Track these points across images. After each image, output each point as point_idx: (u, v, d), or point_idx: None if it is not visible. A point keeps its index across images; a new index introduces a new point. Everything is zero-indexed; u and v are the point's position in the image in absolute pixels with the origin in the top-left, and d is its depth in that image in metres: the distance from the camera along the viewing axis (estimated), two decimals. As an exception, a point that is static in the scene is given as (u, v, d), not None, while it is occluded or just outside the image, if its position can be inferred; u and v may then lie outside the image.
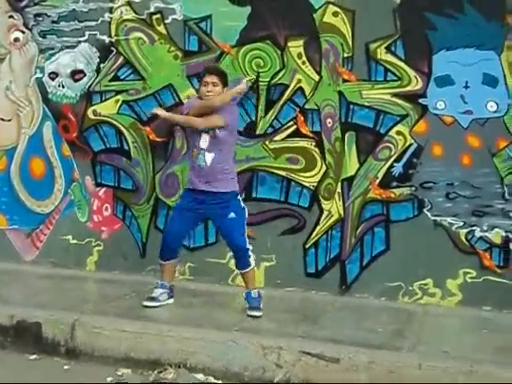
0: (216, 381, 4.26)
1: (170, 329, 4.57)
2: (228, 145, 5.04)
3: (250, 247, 5.08)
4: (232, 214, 5.01)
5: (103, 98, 6.16)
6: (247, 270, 5.08)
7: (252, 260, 5.08)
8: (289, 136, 5.68)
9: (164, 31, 5.93)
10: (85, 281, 6.02)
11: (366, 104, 5.49)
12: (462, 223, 5.34)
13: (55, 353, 4.66)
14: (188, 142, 5.36)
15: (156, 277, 5.48)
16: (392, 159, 5.48)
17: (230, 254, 5.74)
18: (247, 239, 5.07)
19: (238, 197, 5.11)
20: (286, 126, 5.68)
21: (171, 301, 5.23)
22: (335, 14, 5.50)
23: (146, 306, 5.10)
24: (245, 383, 4.27)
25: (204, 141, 4.98)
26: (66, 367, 4.50)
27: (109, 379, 4.28)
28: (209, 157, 4.96)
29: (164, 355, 4.43)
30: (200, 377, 4.28)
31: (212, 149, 4.97)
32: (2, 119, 6.47)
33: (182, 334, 4.51)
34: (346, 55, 5.51)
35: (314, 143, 5.63)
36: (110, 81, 6.12)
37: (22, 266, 6.32)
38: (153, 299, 5.15)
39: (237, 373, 4.30)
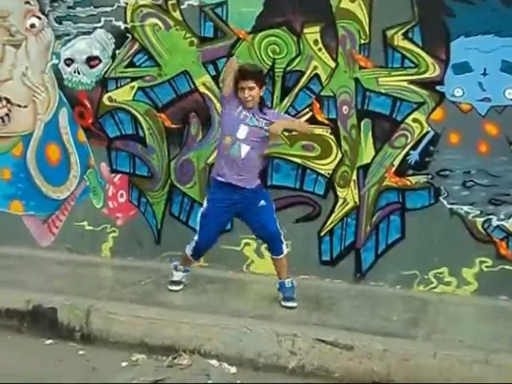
0: (230, 367, 4.27)
1: (184, 315, 4.59)
2: (261, 141, 4.97)
3: (283, 233, 5.06)
4: (262, 202, 4.99)
5: (119, 85, 6.16)
6: (281, 256, 5.04)
7: (285, 246, 5.05)
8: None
9: (180, 17, 5.91)
10: (100, 267, 6.06)
11: (383, 91, 5.45)
12: (478, 212, 5.30)
13: (70, 338, 4.70)
14: (221, 129, 5.20)
15: (171, 263, 5.49)
16: (408, 147, 5.43)
17: (245, 241, 5.78)
18: (278, 225, 5.05)
19: (263, 189, 5.14)
20: (301, 113, 5.65)
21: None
22: (352, 0, 5.44)
23: (172, 291, 5.18)
24: (259, 370, 4.28)
25: (242, 131, 4.89)
26: (80, 352, 4.54)
27: (123, 364, 4.31)
28: (245, 149, 4.90)
29: (178, 341, 4.45)
30: (214, 363, 4.29)
31: (249, 142, 4.90)
32: (19, 105, 6.49)
33: (196, 320, 4.52)
34: (362, 42, 5.46)
35: (329, 130, 5.60)
36: (126, 67, 6.12)
37: (38, 251, 6.37)
38: (177, 283, 5.24)
39: (251, 359, 4.32)
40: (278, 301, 4.99)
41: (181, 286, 5.25)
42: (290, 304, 4.92)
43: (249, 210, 5.04)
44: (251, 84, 4.83)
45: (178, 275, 5.27)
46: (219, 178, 4.98)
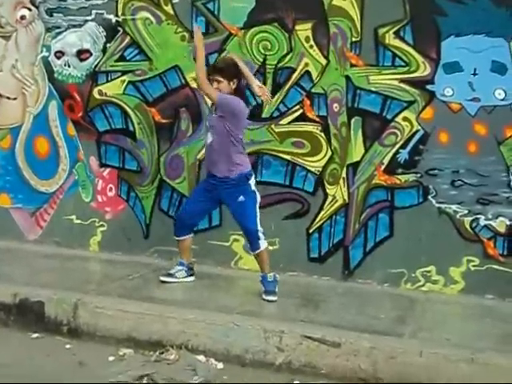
0: (217, 363, 4.27)
1: (172, 310, 4.59)
2: (223, 130, 5.00)
3: (261, 229, 5.07)
4: (241, 198, 5.03)
5: (109, 78, 6.14)
6: (257, 252, 5.08)
7: (262, 242, 5.06)
8: (295, 120, 5.66)
9: (171, 11, 5.89)
10: (88, 261, 6.04)
11: (373, 89, 5.46)
12: (466, 211, 5.32)
13: (57, 332, 4.68)
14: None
15: (160, 258, 5.49)
16: (398, 145, 5.45)
17: (233, 237, 5.79)
18: (258, 222, 5.06)
19: (250, 181, 5.11)
20: (292, 110, 5.66)
21: (191, 278, 5.35)
22: (344, -2, 5.45)
23: (163, 282, 5.22)
24: (246, 365, 4.28)
25: (210, 119, 5.13)
26: (67, 346, 4.52)
27: (110, 358, 4.31)
28: (210, 136, 5.07)
29: (166, 336, 4.45)
30: (201, 358, 4.29)
31: (213, 130, 5.04)
32: (8, 97, 6.46)
33: (184, 315, 4.52)
34: (354, 39, 5.47)
35: (319, 128, 5.60)
36: (116, 61, 6.10)
37: (26, 245, 6.34)
38: (170, 275, 5.28)
39: (238, 355, 4.32)
40: (259, 294, 5.01)
41: (173, 279, 5.26)
42: (270, 298, 4.95)
43: (229, 203, 5.15)
44: (217, 77, 5.00)
45: (174, 268, 5.33)
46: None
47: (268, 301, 4.94)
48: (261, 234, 5.06)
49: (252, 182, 5.13)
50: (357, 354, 4.14)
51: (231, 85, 5.01)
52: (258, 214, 5.08)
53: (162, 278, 5.28)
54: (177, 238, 5.34)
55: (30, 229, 6.47)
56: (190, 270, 5.37)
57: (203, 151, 5.34)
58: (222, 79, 4.99)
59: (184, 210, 5.41)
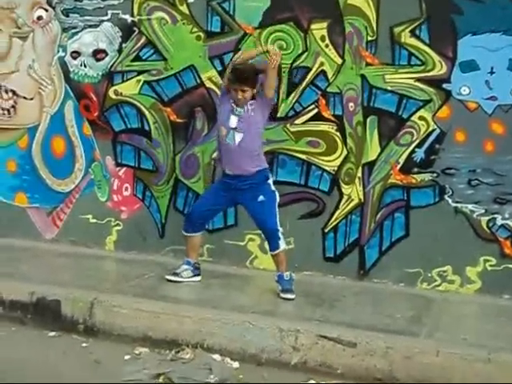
0: (232, 362, 4.28)
1: (187, 309, 4.60)
2: (258, 127, 5.06)
3: (281, 229, 5.08)
4: (261, 197, 5.04)
5: (125, 78, 6.15)
6: (276, 252, 5.09)
7: (282, 242, 5.08)
8: (310, 119, 5.65)
9: (187, 11, 5.90)
10: (104, 260, 6.06)
11: (389, 88, 5.43)
12: (483, 210, 5.29)
13: (74, 330, 4.71)
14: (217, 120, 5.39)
15: (175, 257, 5.50)
16: (414, 144, 5.42)
17: (249, 236, 5.78)
18: (278, 222, 5.07)
19: (269, 180, 5.14)
20: (307, 110, 5.64)
21: (197, 278, 5.34)
22: (360, -4, 5.44)
23: (169, 280, 5.22)
24: (261, 365, 4.28)
25: (233, 121, 5.04)
26: (84, 345, 4.55)
27: (126, 357, 4.33)
28: (238, 137, 5.02)
29: (181, 335, 4.46)
30: (217, 357, 4.30)
31: (242, 129, 5.01)
32: (25, 98, 6.49)
33: (199, 314, 4.53)
34: (369, 38, 5.44)
35: (335, 127, 5.59)
36: (132, 61, 6.11)
37: (42, 244, 6.38)
38: (175, 274, 5.27)
39: (253, 354, 4.32)
40: (277, 293, 5.00)
41: (178, 279, 5.26)
42: (288, 296, 4.96)
43: (249, 203, 5.13)
44: (243, 87, 4.95)
45: (180, 268, 5.32)
46: (222, 169, 5.21)
47: (286, 299, 4.94)
48: (281, 234, 5.07)
49: (271, 181, 5.15)
50: (373, 353, 4.14)
51: (254, 90, 5.02)
52: (278, 213, 5.09)
53: (168, 277, 5.27)
54: (185, 234, 5.33)
55: (46, 228, 6.51)
56: (197, 269, 5.35)
57: (218, 148, 5.28)
58: (247, 88, 4.96)
59: (195, 208, 5.42)
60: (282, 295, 4.98)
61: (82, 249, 6.21)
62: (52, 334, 4.70)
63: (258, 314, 4.56)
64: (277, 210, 5.10)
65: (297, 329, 4.31)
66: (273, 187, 5.14)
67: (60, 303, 4.79)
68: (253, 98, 5.05)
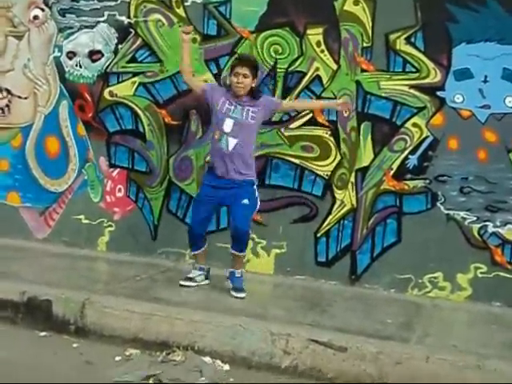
0: (223, 364, 4.28)
1: (179, 311, 4.60)
2: (252, 131, 5.07)
3: (250, 236, 5.16)
4: (246, 201, 5.05)
5: (120, 80, 6.17)
6: (239, 254, 5.14)
7: (246, 248, 5.18)
8: (304, 124, 5.67)
9: (183, 14, 5.92)
10: (96, 261, 6.06)
11: (384, 95, 5.47)
12: (474, 218, 5.32)
13: (65, 331, 4.69)
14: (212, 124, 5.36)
15: (168, 259, 5.48)
16: (407, 151, 5.46)
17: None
18: (250, 227, 5.12)
19: (254, 186, 5.14)
20: (301, 114, 5.67)
21: (207, 281, 5.35)
22: (356, 3, 5.46)
23: (183, 286, 5.22)
24: (252, 368, 4.29)
25: (228, 125, 5.01)
26: (75, 345, 4.53)
27: (117, 358, 4.31)
28: (232, 142, 5.00)
29: (172, 337, 4.46)
30: (207, 360, 4.29)
31: (236, 134, 4.99)
32: (19, 97, 6.49)
33: (190, 317, 4.53)
34: (365, 45, 5.48)
35: (329, 132, 5.61)
36: (128, 62, 6.13)
37: (35, 243, 6.37)
38: (190, 279, 5.27)
39: (244, 357, 4.32)
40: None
41: (192, 283, 5.25)
42: (239, 294, 5.01)
43: (232, 203, 5.11)
44: (247, 71, 4.94)
45: (193, 273, 5.31)
46: (211, 169, 5.18)
47: (236, 297, 5.00)
48: (249, 241, 5.20)
49: (256, 187, 5.16)
50: (363, 358, 4.14)
51: (252, 83, 5.02)
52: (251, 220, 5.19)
53: (182, 283, 5.24)
54: (196, 253, 5.32)
55: (38, 228, 6.50)
56: (208, 273, 5.38)
57: (211, 149, 5.26)
58: (249, 74, 4.95)
59: (195, 223, 5.27)
60: (233, 293, 5.03)
61: (74, 249, 6.21)
62: (43, 334, 4.68)
63: (249, 317, 4.56)
64: (252, 216, 5.16)
65: (288, 333, 4.31)
66: (257, 194, 5.14)
67: (51, 303, 4.78)
68: (254, 97, 5.02)
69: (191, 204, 5.80)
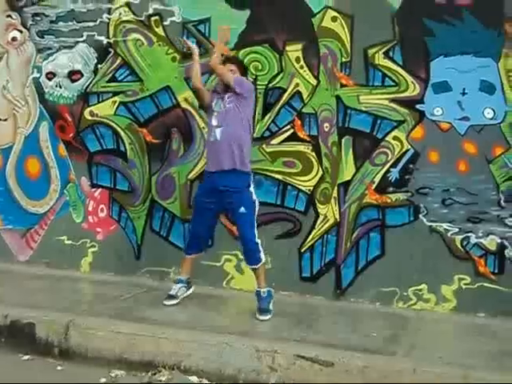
0: (210, 383, 4.25)
1: (164, 331, 4.57)
2: (236, 116, 5.08)
3: (259, 242, 5.10)
4: (242, 209, 5.06)
5: (100, 99, 6.16)
6: (254, 266, 5.11)
7: (261, 256, 5.10)
8: (286, 140, 5.69)
9: (162, 33, 5.93)
10: (79, 282, 6.01)
11: (364, 109, 5.50)
12: (457, 229, 5.35)
13: (49, 353, 4.64)
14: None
15: (151, 279, 5.45)
16: (388, 164, 5.49)
17: (225, 257, 5.79)
18: (256, 233, 5.09)
19: (250, 188, 5.15)
20: (283, 130, 5.69)
21: (191, 291, 5.34)
22: (334, 19, 5.51)
23: (166, 305, 5.18)
24: (239, 386, 4.27)
25: (214, 119, 5.13)
26: (59, 368, 4.48)
27: (102, 380, 4.27)
28: (218, 132, 5.07)
29: (158, 357, 4.42)
30: (194, 379, 4.27)
31: (222, 123, 5.07)
32: (-1, 118, 6.46)
33: (176, 336, 4.50)
34: (344, 60, 5.52)
35: (310, 147, 5.64)
36: (108, 82, 6.12)
37: (17, 266, 6.31)
38: (172, 297, 5.24)
39: (231, 375, 4.30)
40: (253, 313, 5.00)
41: (174, 301, 5.23)
42: (262, 317, 4.97)
43: (233, 211, 5.16)
44: (233, 67, 5.17)
45: (173, 289, 5.29)
46: (206, 169, 5.29)
47: (259, 320, 4.94)
48: (260, 247, 5.10)
49: (252, 189, 5.16)
50: (350, 373, 4.13)
51: (238, 75, 5.19)
52: (256, 224, 5.11)
53: (166, 303, 5.21)
54: (187, 256, 5.32)
55: (20, 250, 6.44)
56: (188, 283, 5.35)
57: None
58: (236, 69, 5.18)
59: (198, 224, 5.30)
60: (257, 315, 4.99)
61: (57, 271, 6.15)
62: (26, 357, 4.62)
63: (234, 335, 4.54)
64: (255, 220, 5.11)
65: (274, 349, 4.29)
66: (254, 196, 5.14)
67: (34, 326, 4.72)
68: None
69: (174, 222, 5.81)
